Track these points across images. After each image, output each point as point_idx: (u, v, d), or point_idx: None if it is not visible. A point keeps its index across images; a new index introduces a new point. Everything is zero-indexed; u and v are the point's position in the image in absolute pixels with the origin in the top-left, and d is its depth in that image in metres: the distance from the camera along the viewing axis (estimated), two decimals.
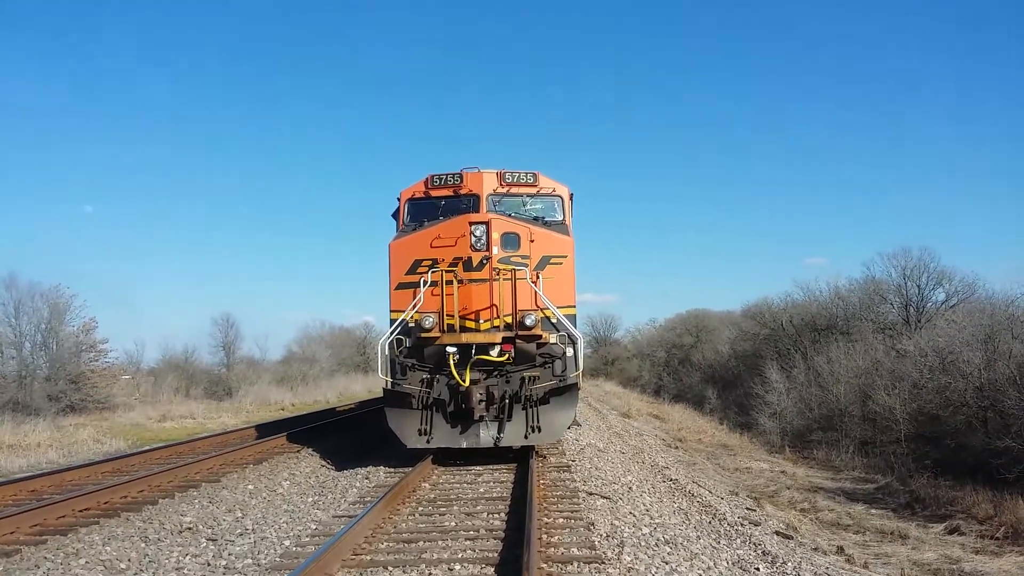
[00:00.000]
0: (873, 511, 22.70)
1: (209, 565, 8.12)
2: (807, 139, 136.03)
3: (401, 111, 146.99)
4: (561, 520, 9.52)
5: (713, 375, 61.72)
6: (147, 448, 18.92)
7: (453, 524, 9.56)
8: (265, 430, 21.81)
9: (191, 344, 61.18)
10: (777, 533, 14.64)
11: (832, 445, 33.54)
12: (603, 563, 7.63)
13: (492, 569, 7.49)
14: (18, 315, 39.56)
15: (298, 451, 17.01)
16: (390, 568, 7.61)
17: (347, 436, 20.13)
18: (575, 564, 7.56)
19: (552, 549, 8.10)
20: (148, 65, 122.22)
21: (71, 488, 12.40)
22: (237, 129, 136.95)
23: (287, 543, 8.96)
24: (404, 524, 9.63)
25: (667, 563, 8.09)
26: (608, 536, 8.90)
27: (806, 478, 28.44)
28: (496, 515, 10.00)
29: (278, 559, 8.21)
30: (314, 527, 9.75)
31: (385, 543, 8.65)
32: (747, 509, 17.98)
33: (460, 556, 7.97)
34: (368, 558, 7.98)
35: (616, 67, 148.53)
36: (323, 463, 15.52)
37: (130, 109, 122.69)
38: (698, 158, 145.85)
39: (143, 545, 9.00)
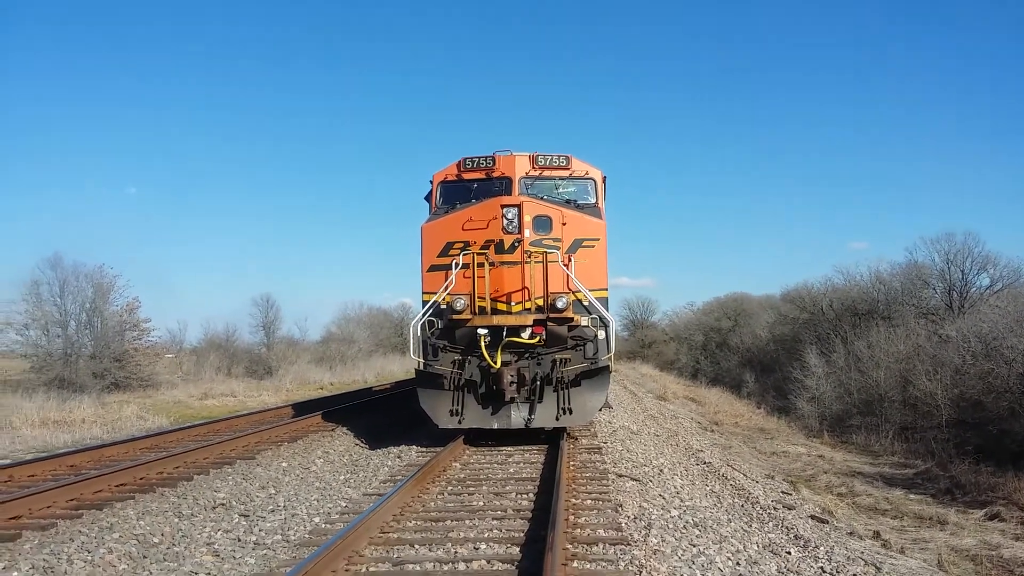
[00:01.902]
0: (912, 496, 22.44)
1: (239, 540, 8.24)
2: (850, 123, 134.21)
3: (440, 97, 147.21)
4: (589, 501, 9.52)
5: (751, 359, 61.27)
6: (185, 425, 19.21)
7: (481, 504, 9.60)
8: (301, 409, 22.03)
9: (232, 324, 61.83)
10: (812, 517, 14.52)
11: (871, 430, 33.18)
12: (629, 545, 7.62)
13: (517, 549, 7.52)
14: (63, 295, 40.27)
15: (332, 430, 17.16)
16: (416, 546, 7.67)
17: (382, 416, 20.27)
18: (601, 545, 7.57)
19: (578, 530, 8.12)
20: (185, 50, 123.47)
21: (109, 463, 12.63)
22: (278, 113, 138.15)
23: (317, 520, 9.06)
24: (433, 503, 9.69)
25: (694, 546, 8.07)
26: (636, 518, 8.89)
27: (844, 463, 28.19)
28: (524, 495, 10.03)
29: (307, 536, 8.32)
30: (344, 505, 9.85)
31: (413, 521, 8.72)
32: (782, 493, 17.86)
33: (486, 535, 8.01)
34: (395, 536, 8.05)
35: (654, 50, 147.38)
36: (357, 442, 15.66)
37: (173, 92, 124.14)
38: (739, 142, 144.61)
39: (176, 520, 9.15)
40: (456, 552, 7.46)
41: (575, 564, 6.94)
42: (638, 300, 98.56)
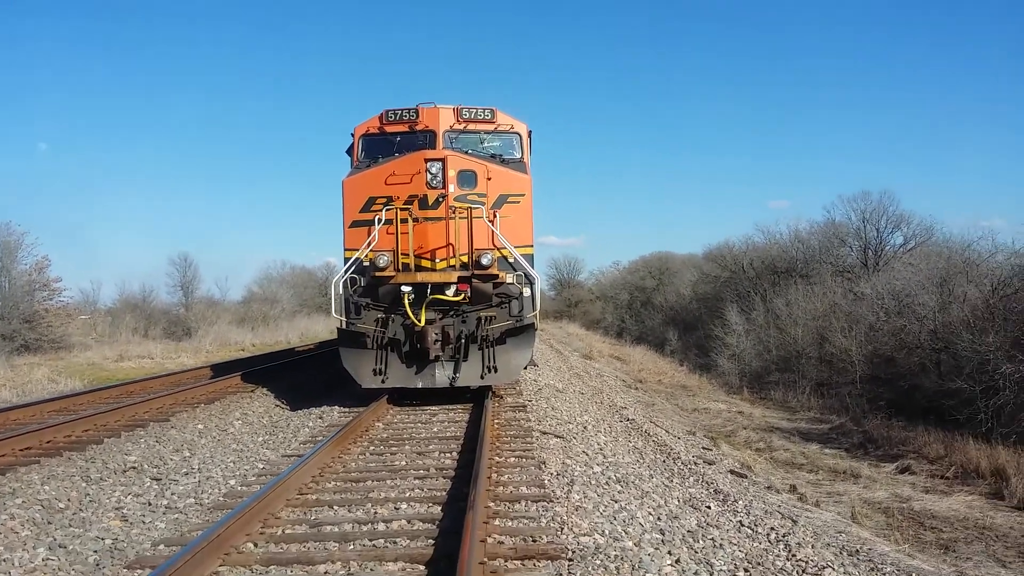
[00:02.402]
0: (827, 451, 23.06)
1: (150, 505, 7.95)
2: (772, 82, 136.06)
3: (357, 49, 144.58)
4: (513, 459, 9.43)
5: (675, 317, 62.20)
6: (96, 388, 18.56)
7: (404, 463, 9.44)
8: (220, 370, 21.50)
9: (149, 284, 60.23)
10: (732, 472, 14.79)
11: (789, 386, 34.01)
12: (551, 501, 7.56)
13: (439, 508, 7.39)
14: None
15: (252, 391, 16.76)
16: (335, 507, 7.48)
17: (304, 376, 19.93)
18: (523, 503, 7.48)
19: (501, 488, 8.02)
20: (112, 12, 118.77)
21: (14, 427, 12.09)
22: (195, 68, 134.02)
23: (232, 483, 8.80)
24: (354, 463, 9.50)
25: (616, 501, 8.05)
26: (558, 475, 8.84)
27: (763, 418, 28.83)
28: (448, 454, 9.90)
29: (221, 499, 8.06)
30: (261, 467, 9.59)
31: (332, 482, 8.52)
32: (703, 448, 18.17)
33: (408, 495, 7.86)
34: (314, 497, 7.84)
35: (585, 10, 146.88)
36: (277, 403, 15.33)
37: (88, 47, 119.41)
38: (664, 101, 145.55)
39: (84, 484, 8.78)
40: (376, 512, 7.29)
41: (496, 522, 6.84)
42: (565, 259, 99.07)
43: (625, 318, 75.55)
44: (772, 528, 8.81)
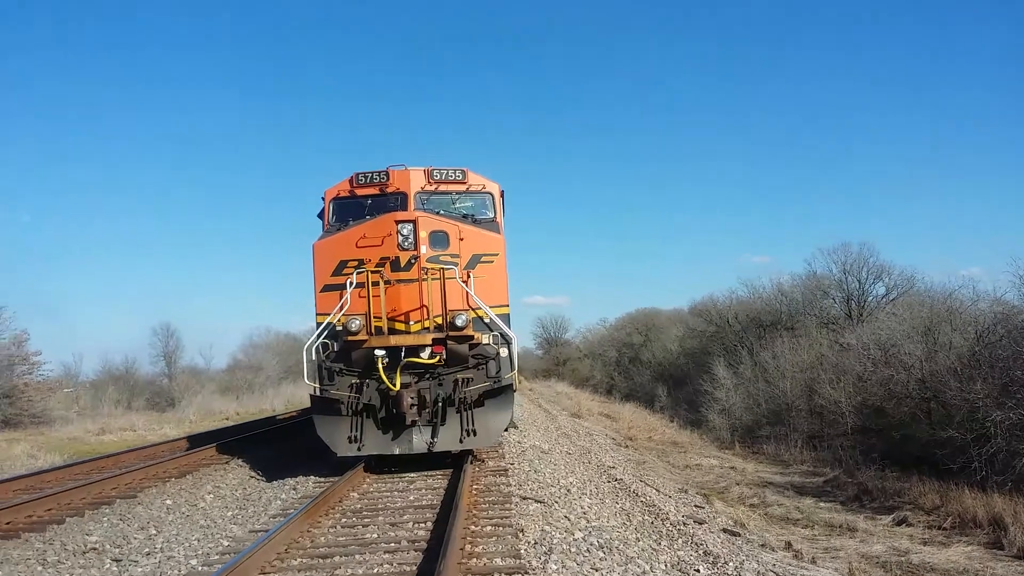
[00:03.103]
0: (822, 504, 22.65)
1: None
2: (749, 141, 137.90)
3: (334, 112, 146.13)
4: (489, 528, 9.03)
5: (663, 373, 61.88)
6: (67, 464, 18.02)
7: (375, 536, 9.03)
8: (198, 441, 20.99)
9: (131, 355, 59.62)
10: (724, 531, 14.37)
11: (781, 439, 33.65)
12: (526, 573, 7.17)
13: None
14: None
15: (227, 462, 16.28)
16: None
17: (283, 444, 19.47)
18: (496, 575, 7.09)
19: (474, 560, 7.63)
20: (84, 79, 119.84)
21: None
22: (174, 137, 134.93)
23: (194, 562, 8.37)
24: (323, 538, 9.07)
25: (597, 570, 7.67)
26: (536, 543, 8.44)
27: (756, 473, 28.41)
28: (422, 524, 9.50)
29: None
30: (227, 544, 9.16)
31: (299, 559, 8.10)
32: (695, 507, 17.74)
33: (376, 571, 7.46)
34: None
35: (566, 68, 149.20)
36: (253, 474, 14.88)
37: (68, 119, 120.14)
38: (645, 161, 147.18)
39: (40, 568, 8.36)
40: None
41: None
42: (551, 318, 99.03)
43: (614, 375, 75.17)
44: None
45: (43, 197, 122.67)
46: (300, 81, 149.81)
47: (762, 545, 14.66)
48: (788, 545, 15.91)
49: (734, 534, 14.33)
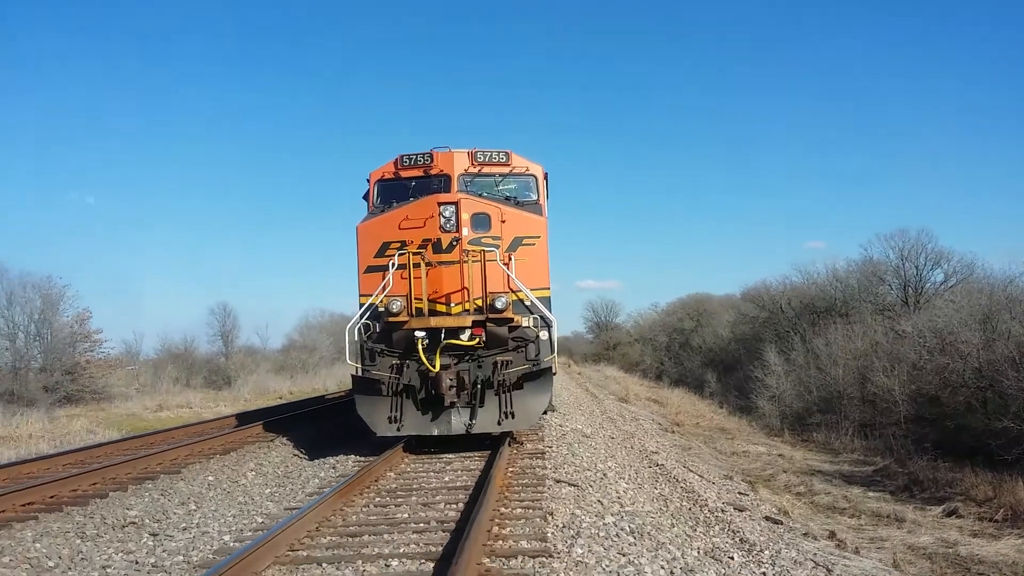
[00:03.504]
0: (871, 494, 22.29)
1: (137, 563, 7.66)
2: (807, 123, 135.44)
3: (396, 98, 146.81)
4: (519, 510, 9.02)
5: (713, 359, 61.33)
6: (117, 439, 18.45)
7: (406, 516, 9.07)
8: (247, 418, 21.34)
9: (190, 334, 60.67)
10: (767, 518, 14.20)
11: (831, 427, 33.15)
12: (550, 556, 7.14)
13: (432, 565, 7.01)
14: (10, 306, 39.17)
15: (272, 440, 16.53)
16: (324, 565, 7.11)
17: (328, 423, 19.68)
18: (519, 558, 7.08)
19: (500, 542, 7.62)
20: (149, 60, 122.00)
21: (24, 481, 11.93)
22: (236, 121, 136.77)
23: (227, 538, 8.49)
24: (355, 516, 9.15)
25: (624, 555, 7.61)
26: (564, 527, 8.40)
27: (804, 461, 28.05)
28: (453, 505, 9.53)
29: (211, 556, 7.75)
30: (260, 521, 9.28)
31: (328, 537, 8.17)
32: (739, 494, 17.56)
33: (402, 551, 7.48)
34: (304, 554, 7.49)
35: (618, 54, 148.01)
36: (296, 452, 15.08)
37: (133, 102, 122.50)
38: (700, 143, 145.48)
39: (79, 541, 8.55)
40: (364, 570, 6.92)
41: None
42: (602, 302, 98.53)
43: (664, 360, 74.66)
44: None
45: (108, 179, 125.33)
46: (357, 62, 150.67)
47: (804, 534, 14.47)
48: (832, 534, 15.69)
49: (776, 522, 14.16)
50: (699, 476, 17.70)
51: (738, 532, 10.62)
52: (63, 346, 40.32)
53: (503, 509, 9.00)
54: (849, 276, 48.05)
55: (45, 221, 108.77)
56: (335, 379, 54.03)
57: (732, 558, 9.03)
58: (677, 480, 14.51)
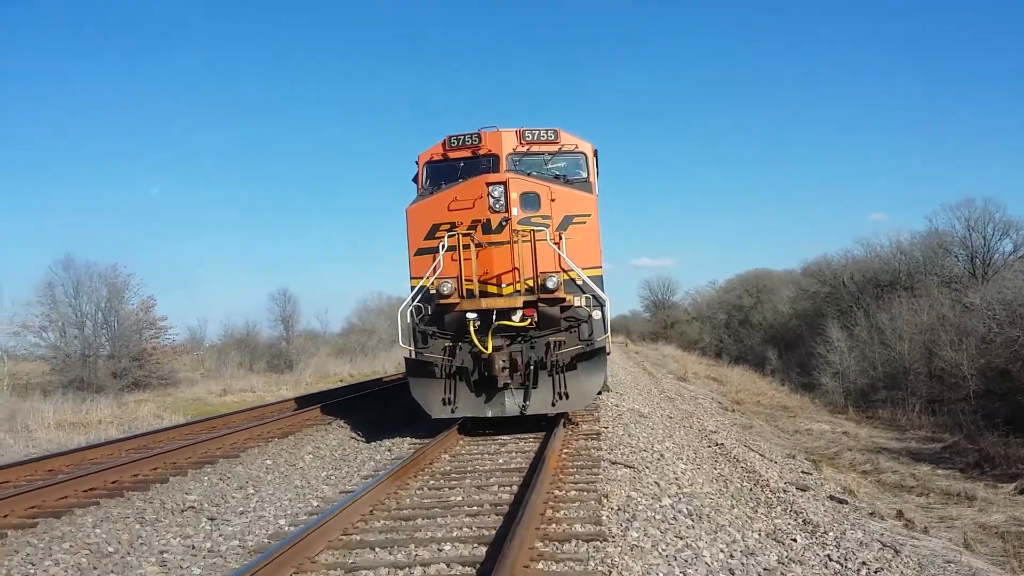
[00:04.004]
0: (939, 472, 21.74)
1: (193, 548, 7.71)
2: (866, 95, 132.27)
3: (454, 81, 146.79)
4: (573, 493, 8.91)
5: (774, 336, 60.45)
6: (178, 424, 18.74)
7: (460, 499, 9.02)
8: (306, 401, 21.58)
9: (252, 319, 61.63)
10: (831, 498, 13.91)
11: (897, 404, 32.43)
12: (605, 540, 7.01)
13: (484, 549, 6.93)
14: (78, 295, 40.11)
15: (330, 423, 16.63)
16: (377, 549, 7.07)
17: (384, 406, 19.76)
18: (573, 542, 6.96)
19: (553, 526, 7.50)
20: (205, 50, 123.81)
21: (88, 466, 12.16)
22: (296, 107, 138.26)
23: (282, 522, 8.52)
24: (409, 500, 9.12)
25: (681, 538, 7.44)
26: (620, 509, 8.26)
27: (869, 439, 27.49)
28: (507, 488, 9.44)
29: (266, 540, 7.77)
30: (316, 504, 9.31)
31: (382, 521, 8.14)
32: (802, 473, 17.25)
33: (455, 535, 7.42)
34: (358, 538, 7.46)
35: (673, 31, 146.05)
36: (353, 435, 15.15)
37: (194, 95, 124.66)
38: (757, 118, 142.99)
39: (138, 527, 8.65)
40: (416, 555, 6.87)
41: (539, 565, 6.34)
42: (659, 280, 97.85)
43: (723, 338, 73.86)
44: (865, 562, 8.09)
45: (171, 170, 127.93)
46: (422, 45, 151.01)
47: (871, 513, 14.13)
48: (899, 514, 15.31)
49: (841, 502, 13.85)
50: (760, 455, 17.39)
51: (801, 513, 10.34)
52: (130, 333, 41.20)
53: (557, 492, 8.90)
54: (914, 248, 46.91)
55: (110, 211, 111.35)
56: (393, 361, 54.45)
57: (795, 540, 8.78)
58: (737, 460, 14.24)
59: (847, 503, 14.01)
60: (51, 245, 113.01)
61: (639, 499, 8.83)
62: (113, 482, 10.79)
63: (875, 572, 7.71)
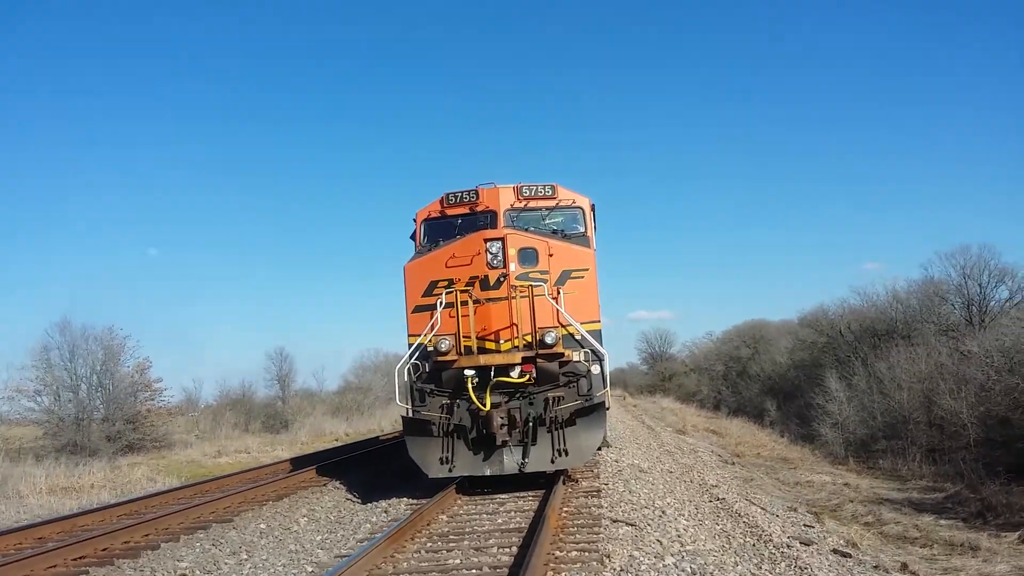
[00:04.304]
0: (942, 522, 21.44)
1: None
2: (858, 144, 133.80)
3: (445, 140, 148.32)
4: (575, 553, 8.74)
5: (772, 387, 60.09)
6: (171, 488, 18.45)
7: (458, 561, 8.85)
8: (301, 463, 21.33)
9: (248, 379, 61.23)
10: (835, 551, 13.68)
11: (898, 454, 32.11)
12: None
13: None
14: (73, 358, 39.79)
15: (325, 484, 16.43)
16: None
17: (382, 465, 19.55)
18: None
19: None
20: (193, 108, 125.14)
21: (79, 533, 11.93)
22: (288, 168, 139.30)
23: None
24: (406, 563, 8.94)
25: None
26: (622, 570, 8.10)
27: (871, 489, 27.16)
28: (506, 549, 9.27)
29: None
30: (310, 570, 9.12)
31: None
32: (805, 526, 17.00)
33: None
34: None
35: (667, 78, 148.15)
36: (349, 496, 14.94)
37: (190, 155, 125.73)
38: (749, 168, 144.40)
39: None
40: None
41: None
42: (656, 333, 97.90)
43: (721, 389, 73.47)
44: None
45: (169, 232, 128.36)
46: (415, 109, 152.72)
47: (875, 567, 13.87)
48: (904, 566, 15.03)
49: (845, 555, 13.62)
50: (762, 509, 17.16)
51: (806, 568, 10.16)
52: (124, 396, 40.73)
53: (558, 552, 8.74)
54: (910, 297, 46.83)
55: (107, 273, 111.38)
56: (389, 419, 54.07)
57: None
58: (739, 514, 14.04)
59: (851, 556, 13.77)
60: (47, 309, 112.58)
61: (642, 558, 8.66)
62: (103, 550, 10.59)
63: None
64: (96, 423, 38.76)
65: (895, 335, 43.69)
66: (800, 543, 12.77)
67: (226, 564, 9.80)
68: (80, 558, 10.14)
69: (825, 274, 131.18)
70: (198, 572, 9.40)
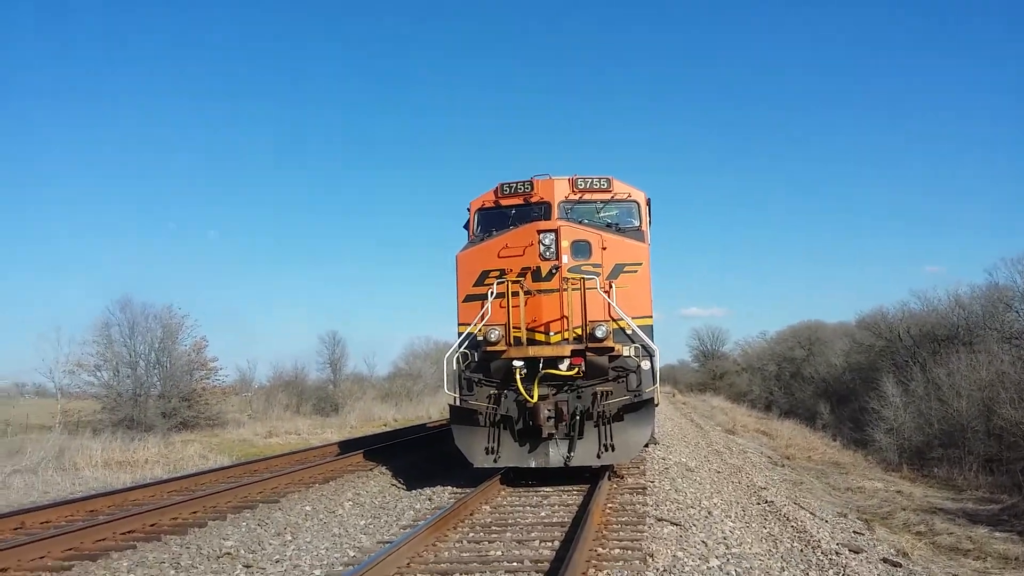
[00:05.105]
0: (997, 534, 20.92)
1: None
2: (923, 146, 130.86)
3: (502, 128, 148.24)
4: (617, 551, 8.63)
5: (826, 389, 59.17)
6: (221, 466, 18.73)
7: (499, 553, 8.79)
8: (349, 446, 21.49)
9: (301, 362, 62.04)
10: (884, 560, 13.38)
11: (954, 463, 31.39)
12: None
13: None
14: (133, 335, 40.71)
15: (371, 469, 16.50)
16: None
17: (428, 452, 19.61)
18: None
19: None
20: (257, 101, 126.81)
21: (129, 507, 12.14)
22: (348, 155, 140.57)
23: (317, 573, 8.37)
24: (447, 552, 8.91)
25: None
26: (665, 571, 7.97)
27: (924, 498, 26.59)
28: (548, 543, 9.20)
29: None
30: (352, 555, 9.13)
31: (419, 574, 7.95)
32: (854, 533, 16.67)
33: None
34: None
35: (726, 77, 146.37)
36: (394, 482, 14.99)
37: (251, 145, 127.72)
38: (810, 166, 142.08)
39: (172, 572, 8.56)
40: None
41: None
42: (708, 330, 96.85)
43: (773, 390, 72.50)
44: None
45: (229, 214, 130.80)
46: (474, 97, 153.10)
47: None
48: None
49: (895, 564, 13.30)
50: (811, 514, 16.85)
51: None
52: (181, 373, 41.61)
53: (600, 549, 8.63)
54: (973, 302, 45.72)
55: (169, 254, 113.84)
56: (437, 407, 54.30)
57: None
58: (787, 518, 13.78)
59: (901, 566, 13.44)
60: (109, 287, 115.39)
61: (686, 560, 8.53)
62: (152, 525, 10.73)
63: None
64: (152, 399, 39.65)
65: (956, 341, 42.70)
66: (849, 550, 12.49)
67: (270, 544, 9.87)
68: (129, 532, 10.28)
69: (883, 277, 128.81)
70: (242, 551, 9.48)
